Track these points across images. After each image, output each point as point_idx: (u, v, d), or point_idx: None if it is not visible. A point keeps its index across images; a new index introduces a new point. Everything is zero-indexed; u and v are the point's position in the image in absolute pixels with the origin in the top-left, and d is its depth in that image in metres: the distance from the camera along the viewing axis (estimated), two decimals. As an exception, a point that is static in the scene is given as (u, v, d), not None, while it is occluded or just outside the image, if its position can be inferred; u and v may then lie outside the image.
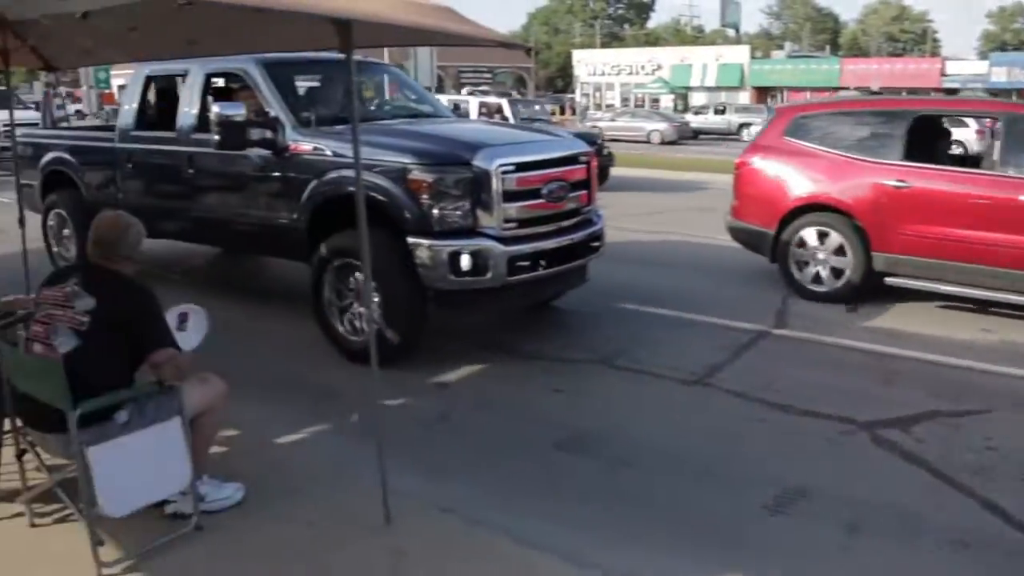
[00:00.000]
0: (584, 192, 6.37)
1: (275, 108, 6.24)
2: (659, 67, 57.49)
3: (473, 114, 17.31)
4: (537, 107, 21.09)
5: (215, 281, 8.94)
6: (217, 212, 6.77)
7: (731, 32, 65.85)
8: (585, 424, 4.91)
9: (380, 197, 5.58)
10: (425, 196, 5.50)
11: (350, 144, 5.93)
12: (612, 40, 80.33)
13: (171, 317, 3.75)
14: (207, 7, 3.30)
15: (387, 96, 7.59)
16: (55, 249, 8.53)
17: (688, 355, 6.08)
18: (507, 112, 17.82)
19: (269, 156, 6.18)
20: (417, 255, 5.52)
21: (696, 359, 5.98)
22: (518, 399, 5.35)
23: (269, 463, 4.25)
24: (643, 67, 58.71)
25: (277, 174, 6.20)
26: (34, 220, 9.17)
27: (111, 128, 8.17)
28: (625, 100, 56.28)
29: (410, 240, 5.52)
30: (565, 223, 6.16)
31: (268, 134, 6.14)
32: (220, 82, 7.10)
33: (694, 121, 40.31)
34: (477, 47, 4.30)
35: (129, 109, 7.58)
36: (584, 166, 6.38)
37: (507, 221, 5.67)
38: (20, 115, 18.80)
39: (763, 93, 53.10)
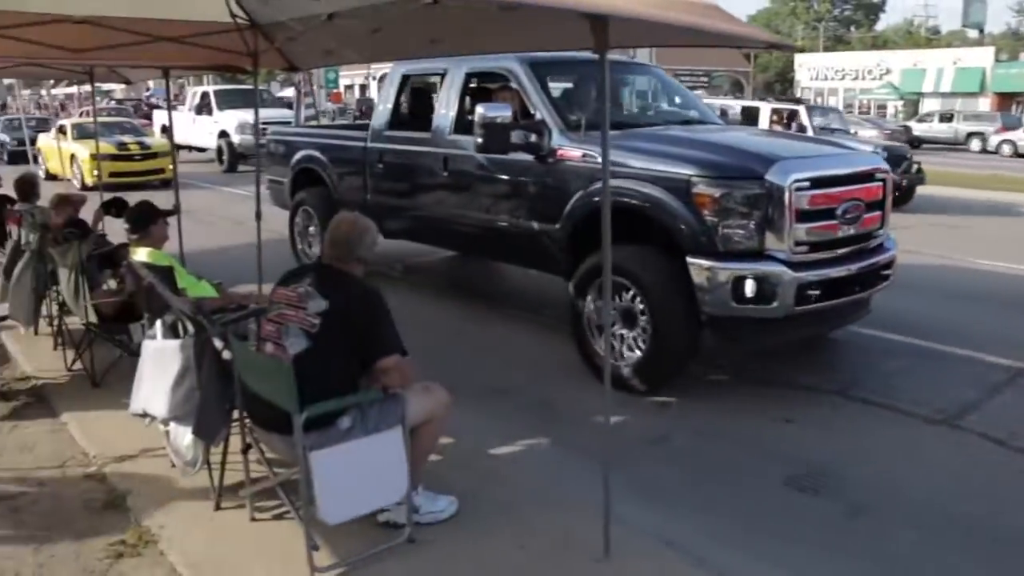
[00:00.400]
0: (878, 213, 5.52)
1: (541, 111, 5.82)
2: (888, 71, 53.70)
3: (763, 122, 15.64)
4: (831, 115, 18.14)
5: (435, 280, 8.73)
6: (470, 217, 6.45)
7: (973, 33, 60.42)
8: (818, 459, 4.44)
9: (657, 212, 5.03)
10: (709, 212, 4.87)
11: (625, 152, 5.52)
12: (836, 43, 76.06)
13: None
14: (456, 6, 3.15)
15: (652, 100, 7.02)
16: (300, 246, 8.60)
17: (935, 390, 5.38)
18: (804, 120, 15.43)
19: (532, 161, 5.78)
20: (695, 277, 4.90)
21: (944, 395, 5.28)
22: (745, 426, 4.88)
23: (484, 476, 4.08)
24: (870, 71, 55.16)
25: (540, 180, 5.78)
26: (280, 216, 9.41)
27: (363, 127, 8.09)
28: (848, 106, 52.94)
29: (689, 260, 4.92)
30: (858, 247, 5.35)
31: (533, 138, 5.73)
32: (479, 83, 6.79)
33: (917, 129, 36.88)
34: (698, 47, 3.67)
35: (384, 108, 7.45)
36: (880, 184, 5.52)
37: (797, 244, 4.94)
38: (275, 113, 19.98)
39: (1007, 99, 48.18)
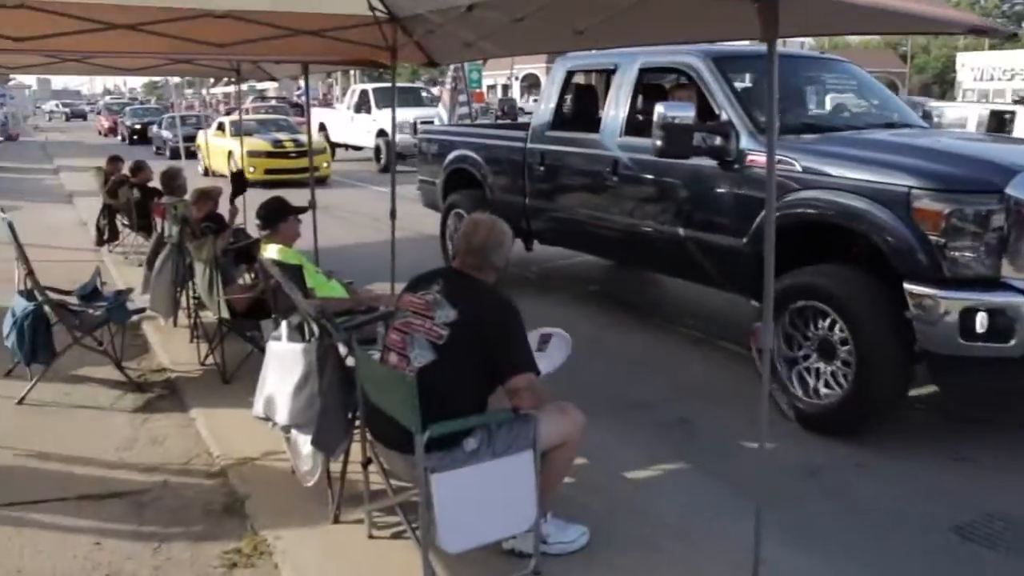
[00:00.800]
0: None
1: (727, 111, 5.25)
2: (1058, 70, 49.47)
3: (971, 125, 14.12)
4: None
5: (572, 285, 8.20)
6: (642, 226, 5.92)
7: None
8: (995, 506, 3.90)
9: (866, 229, 4.39)
10: (933, 231, 4.18)
11: (830, 159, 4.88)
12: (1005, 41, 70.82)
13: (532, 338, 3.41)
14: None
15: (847, 100, 6.30)
16: (451, 250, 8.29)
17: None
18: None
19: (715, 168, 5.22)
20: (913, 306, 4.23)
21: None
22: (908, 462, 4.35)
23: (618, 503, 3.79)
24: (1033, 70, 51.02)
25: (725, 189, 5.20)
26: (420, 215, 9.14)
27: (522, 127, 7.69)
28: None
29: (906, 287, 4.24)
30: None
31: (718, 141, 5.17)
32: (653, 80, 6.27)
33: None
34: (875, 35, 3.15)
35: (546, 107, 7.01)
36: None
37: (1041, 271, 4.20)
38: (433, 112, 19.44)
39: None
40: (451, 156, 8.18)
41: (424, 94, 22.17)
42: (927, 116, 5.58)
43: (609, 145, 6.17)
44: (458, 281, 3.16)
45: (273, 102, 36.96)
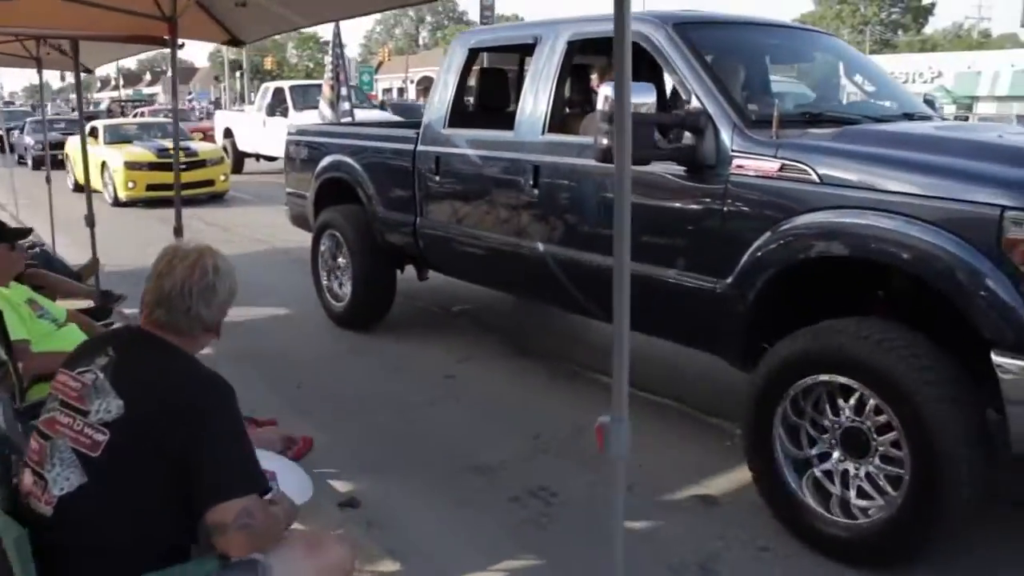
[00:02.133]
0: None
1: (701, 96, 3.69)
2: (939, 75, 51.11)
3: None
4: None
5: (502, 327, 6.61)
6: (575, 258, 4.33)
7: (1030, 36, 57.47)
8: None
9: (929, 271, 2.92)
10: (1039, 273, 2.74)
11: (863, 164, 3.25)
12: (883, 47, 73.30)
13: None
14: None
15: (838, 83, 4.84)
16: (324, 282, 6.52)
17: None
18: None
19: (683, 176, 3.68)
20: (1009, 388, 2.77)
21: None
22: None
23: None
24: (921, 75, 52.66)
25: (698, 207, 3.65)
26: (302, 238, 7.42)
27: (413, 125, 6.00)
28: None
29: (998, 360, 2.78)
30: None
31: (687, 139, 3.63)
32: (590, 57, 4.69)
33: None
34: None
35: (441, 98, 5.32)
36: None
37: None
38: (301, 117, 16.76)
39: (1072, 102, 45.28)
40: (323, 163, 6.41)
41: (368, 91, 19.35)
42: (931, 105, 4.53)
43: (527, 146, 4.55)
44: (135, 351, 2.07)
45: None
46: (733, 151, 3.50)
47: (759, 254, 3.37)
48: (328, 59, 12.47)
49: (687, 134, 3.64)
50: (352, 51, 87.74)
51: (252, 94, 38.80)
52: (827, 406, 3.18)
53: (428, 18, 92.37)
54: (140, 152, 14.38)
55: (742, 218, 3.47)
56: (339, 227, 6.17)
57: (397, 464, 4.14)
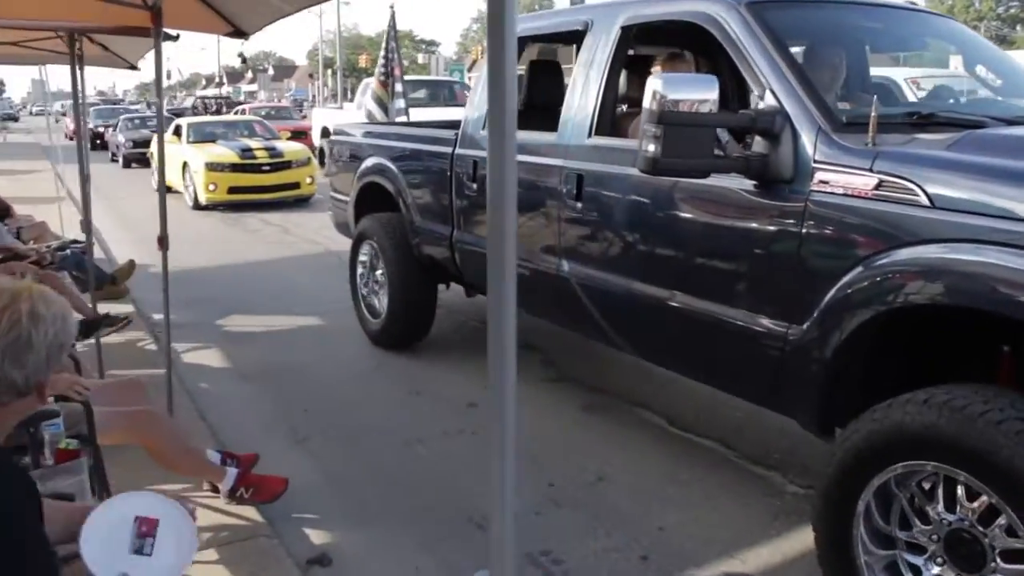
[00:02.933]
0: None
1: (779, 91, 2.92)
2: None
3: None
4: None
5: (547, 347, 5.77)
6: (618, 286, 3.62)
7: None
8: None
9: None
10: None
11: (984, 182, 2.40)
12: (1000, 43, 69.36)
13: (118, 529, 1.88)
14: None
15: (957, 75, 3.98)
16: (362, 291, 5.95)
17: None
18: None
19: (754, 192, 2.92)
20: None
21: None
22: None
23: None
24: (1041, 73, 49.61)
25: (770, 232, 2.89)
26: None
27: (456, 124, 5.36)
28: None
29: None
30: None
31: (759, 146, 2.88)
32: (650, 46, 3.97)
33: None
34: None
35: (480, 97, 4.68)
36: None
37: None
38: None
39: None
40: (363, 166, 5.85)
41: (460, 88, 17.76)
42: None
43: (571, 151, 3.85)
44: None
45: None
46: (816, 162, 2.73)
47: (845, 296, 2.59)
48: (381, 53, 11.84)
49: (758, 139, 2.89)
50: (448, 49, 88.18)
51: (349, 92, 38.63)
52: (931, 495, 2.40)
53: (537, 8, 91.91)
54: (223, 152, 13.37)
55: (824, 249, 2.70)
56: (376, 236, 5.59)
57: (389, 511, 3.58)
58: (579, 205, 3.75)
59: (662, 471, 3.89)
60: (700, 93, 2.72)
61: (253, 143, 14.08)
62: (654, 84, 2.75)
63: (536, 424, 4.44)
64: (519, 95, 5.05)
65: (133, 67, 7.75)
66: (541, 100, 4.53)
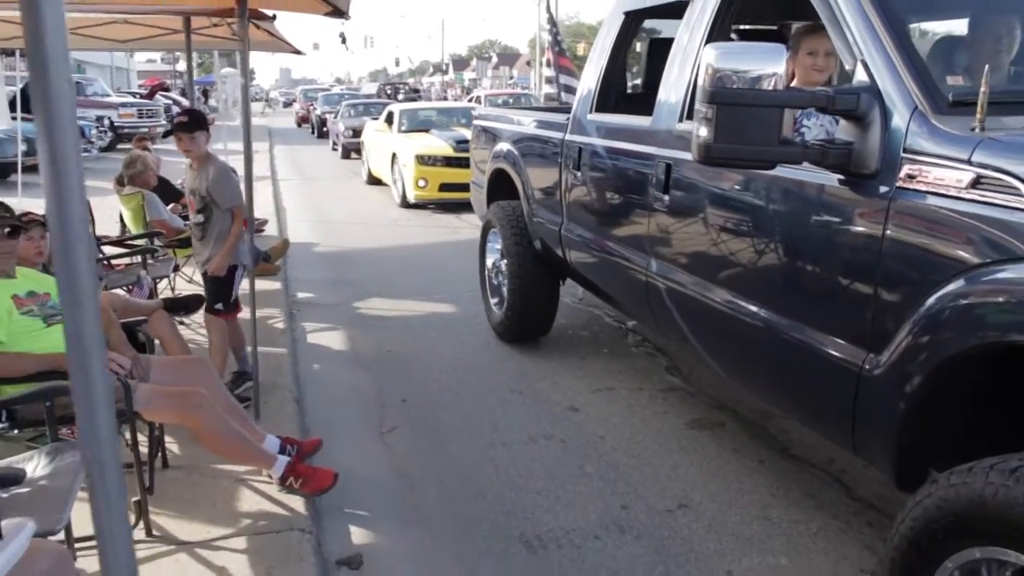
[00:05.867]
0: None
1: (873, 60, 2.37)
2: None
3: None
4: None
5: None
6: (686, 287, 3.17)
7: None
8: None
9: None
10: None
11: None
12: None
13: None
14: None
15: None
16: (492, 282, 5.74)
17: None
18: None
19: (836, 187, 2.40)
20: None
21: None
22: None
23: None
24: None
25: (847, 236, 2.35)
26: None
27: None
28: None
29: None
30: None
31: (845, 131, 2.36)
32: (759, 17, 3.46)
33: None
34: None
35: (592, 75, 4.30)
36: None
37: None
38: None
39: None
40: (495, 151, 5.65)
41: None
42: None
43: (662, 137, 3.41)
44: None
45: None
46: (906, 151, 2.17)
47: (926, 324, 2.04)
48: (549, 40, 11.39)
49: (843, 123, 2.36)
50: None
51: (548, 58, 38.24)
52: None
53: None
54: (436, 144, 11.65)
55: (907, 262, 2.14)
56: (500, 225, 5.36)
57: (442, 516, 3.38)
58: (666, 198, 3.31)
59: (756, 504, 3.39)
60: (763, 65, 2.24)
61: (468, 133, 12.34)
62: (708, 55, 2.30)
63: (634, 437, 4.07)
64: (639, 76, 4.65)
65: (297, 52, 8.00)
66: (649, 82, 4.09)
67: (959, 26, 3.03)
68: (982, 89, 2.04)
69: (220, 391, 3.40)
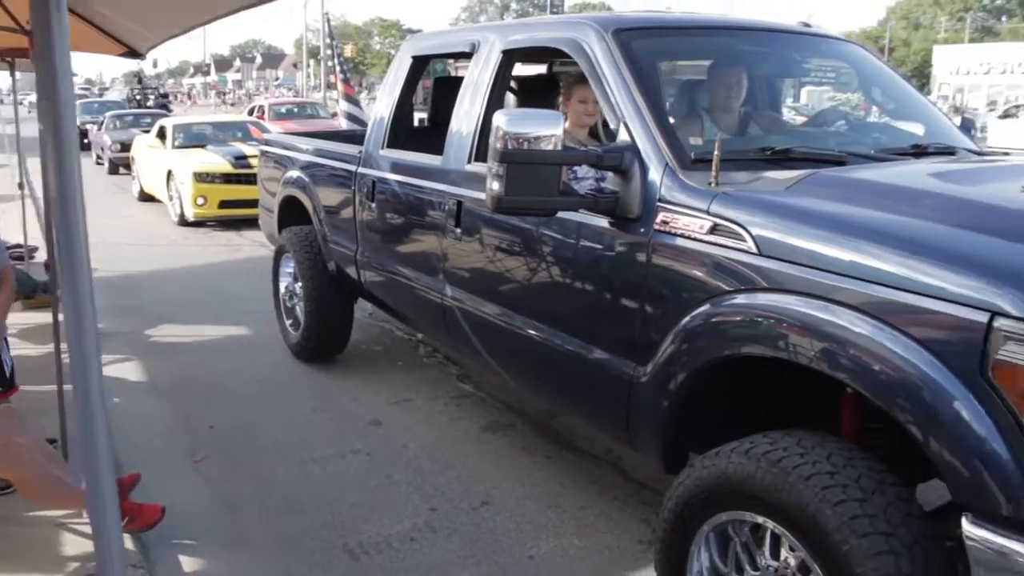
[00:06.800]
0: None
1: (631, 124, 2.88)
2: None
3: None
4: None
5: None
6: (482, 310, 3.60)
7: None
8: None
9: (882, 398, 2.07)
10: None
11: (806, 228, 2.21)
12: (984, 35, 69.48)
13: None
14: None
15: (847, 104, 3.90)
16: (285, 304, 5.88)
17: None
18: None
19: (606, 227, 2.89)
20: (982, 568, 1.92)
21: None
22: None
23: None
24: (1020, 64, 50.19)
25: (618, 272, 2.86)
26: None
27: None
28: (991, 103, 47.46)
29: (969, 530, 1.93)
30: None
31: (606, 181, 2.85)
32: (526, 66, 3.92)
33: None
34: None
35: (383, 112, 4.62)
36: None
37: None
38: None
39: None
40: (285, 177, 5.79)
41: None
42: (966, 130, 3.53)
43: (452, 176, 3.81)
44: None
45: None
46: (660, 200, 2.69)
47: (680, 341, 2.57)
48: (329, 63, 11.64)
49: (610, 176, 2.85)
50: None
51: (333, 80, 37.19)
52: (760, 541, 2.37)
53: (513, 5, 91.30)
54: (214, 161, 11.40)
55: (664, 292, 2.66)
56: (293, 249, 5.53)
57: (266, 535, 3.56)
58: (459, 231, 3.71)
59: (548, 495, 3.86)
60: (544, 128, 2.67)
61: (248, 149, 11.57)
62: (497, 119, 2.70)
63: (435, 444, 4.42)
64: (424, 111, 5.01)
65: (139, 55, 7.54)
66: (435, 117, 4.47)
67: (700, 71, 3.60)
68: (715, 152, 2.59)
69: (34, 436, 3.38)
